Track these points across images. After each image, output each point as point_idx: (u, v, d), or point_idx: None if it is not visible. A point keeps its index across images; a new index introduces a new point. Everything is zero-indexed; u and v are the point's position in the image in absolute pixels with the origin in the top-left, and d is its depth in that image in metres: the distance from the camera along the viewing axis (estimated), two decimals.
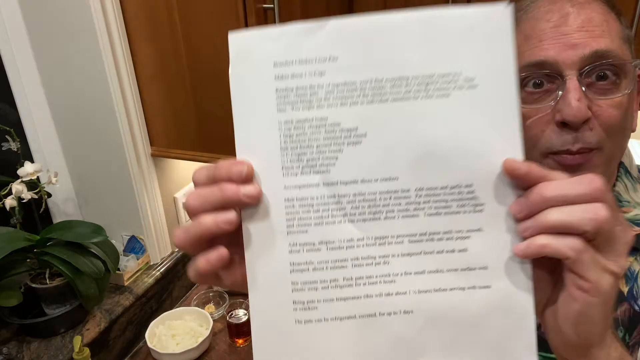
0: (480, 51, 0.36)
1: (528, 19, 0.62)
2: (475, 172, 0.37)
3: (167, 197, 1.33)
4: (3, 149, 1.11)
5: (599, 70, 0.58)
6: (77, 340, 0.99)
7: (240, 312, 1.20)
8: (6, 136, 1.10)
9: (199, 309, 1.24)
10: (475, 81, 0.36)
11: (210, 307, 1.31)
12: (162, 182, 1.30)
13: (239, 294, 1.35)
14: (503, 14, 0.36)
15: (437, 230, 0.37)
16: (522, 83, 0.61)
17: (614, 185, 0.68)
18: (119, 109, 1.12)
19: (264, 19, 1.02)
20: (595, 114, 0.58)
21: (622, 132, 0.60)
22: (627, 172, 0.68)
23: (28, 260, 1.06)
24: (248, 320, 1.19)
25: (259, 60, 0.36)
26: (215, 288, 1.35)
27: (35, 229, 1.20)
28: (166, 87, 1.13)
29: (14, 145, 1.09)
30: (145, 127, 1.20)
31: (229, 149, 1.30)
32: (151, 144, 1.23)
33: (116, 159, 1.18)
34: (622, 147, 0.64)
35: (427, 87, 0.36)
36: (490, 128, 0.36)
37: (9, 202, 1.04)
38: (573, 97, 0.57)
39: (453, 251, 0.37)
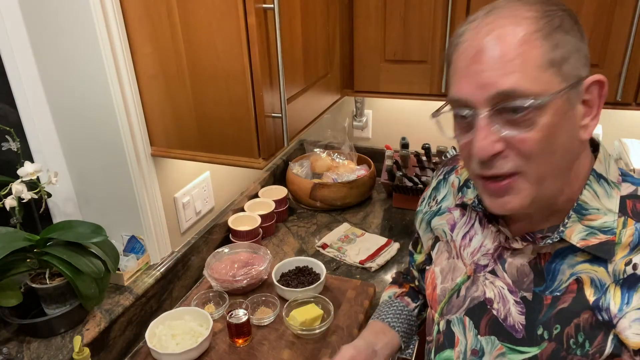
0: None
1: (456, 54, 0.65)
2: None
3: (167, 197, 1.34)
4: (3, 149, 1.12)
5: (512, 106, 0.60)
6: (77, 340, 0.99)
7: (240, 312, 1.20)
8: (6, 136, 1.10)
9: (199, 309, 1.24)
10: None
11: (210, 307, 1.31)
12: (162, 182, 1.30)
13: (239, 294, 1.35)
14: None
15: None
16: (454, 113, 0.67)
17: (581, 193, 0.67)
18: (118, 109, 1.12)
19: (264, 19, 1.02)
20: (510, 144, 0.61)
21: (548, 154, 0.61)
22: (601, 178, 0.68)
23: (28, 260, 1.06)
24: (248, 321, 1.19)
25: None
26: (215, 288, 1.35)
27: (35, 229, 1.20)
28: (166, 87, 1.13)
29: (14, 145, 1.09)
30: (145, 127, 1.20)
31: (228, 149, 1.30)
32: (151, 144, 1.23)
33: (116, 159, 1.18)
34: (559, 165, 0.64)
35: None
36: None
37: (9, 202, 1.04)
38: (479, 137, 0.62)
39: None
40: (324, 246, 1.59)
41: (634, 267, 0.63)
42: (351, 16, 1.52)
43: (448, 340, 0.82)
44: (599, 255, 0.65)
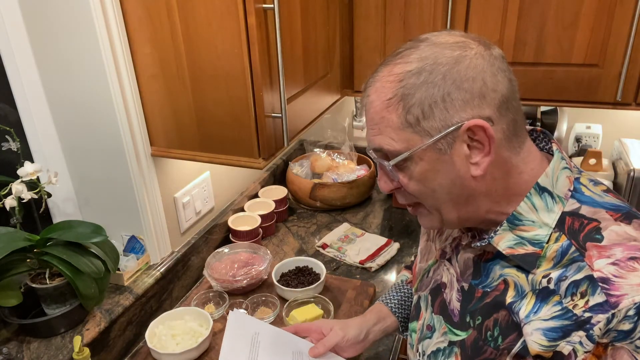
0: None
1: None
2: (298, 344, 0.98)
3: (167, 197, 1.34)
4: (3, 149, 1.12)
5: (383, 160, 0.71)
6: (77, 340, 0.99)
7: (241, 312, 1.20)
8: (6, 136, 1.10)
9: (199, 309, 1.24)
10: None
11: (210, 307, 1.31)
12: (162, 182, 1.30)
13: (239, 294, 1.35)
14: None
15: None
16: None
17: (519, 205, 0.70)
18: (118, 109, 1.12)
19: (264, 19, 1.02)
20: (400, 183, 0.72)
21: (429, 193, 0.70)
22: (545, 191, 0.69)
23: (28, 260, 1.06)
24: None
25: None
26: (215, 288, 1.35)
27: (35, 229, 1.20)
28: (166, 87, 1.13)
29: (14, 145, 1.09)
30: (145, 127, 1.20)
31: (228, 149, 1.30)
32: (151, 144, 1.23)
33: (116, 159, 1.19)
34: (451, 198, 0.70)
35: None
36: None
37: (9, 202, 1.04)
38: (378, 176, 0.75)
39: None
40: (324, 246, 1.59)
41: (548, 281, 0.66)
42: (351, 16, 1.52)
43: (417, 312, 0.90)
44: (521, 264, 0.69)
